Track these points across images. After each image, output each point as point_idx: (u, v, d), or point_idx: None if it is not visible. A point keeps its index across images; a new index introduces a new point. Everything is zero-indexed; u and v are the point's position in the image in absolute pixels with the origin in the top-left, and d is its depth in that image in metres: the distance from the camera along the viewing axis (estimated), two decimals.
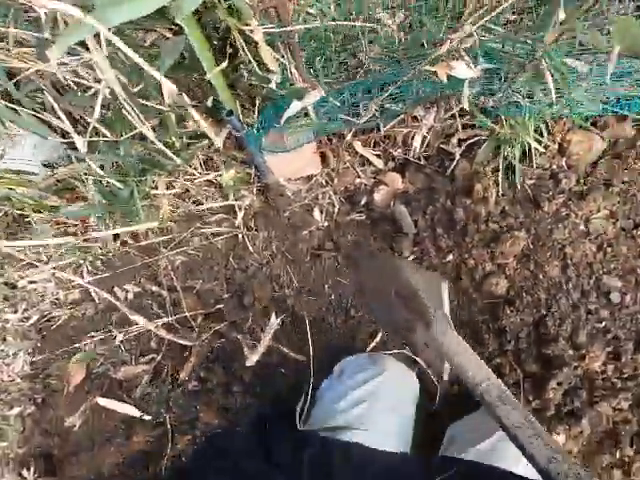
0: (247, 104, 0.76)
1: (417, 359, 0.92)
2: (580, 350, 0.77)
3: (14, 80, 0.63)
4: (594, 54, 0.70)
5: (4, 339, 0.97)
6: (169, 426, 1.08)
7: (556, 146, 0.87)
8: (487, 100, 0.72)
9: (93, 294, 0.97)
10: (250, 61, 0.58)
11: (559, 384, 0.78)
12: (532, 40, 0.60)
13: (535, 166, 0.88)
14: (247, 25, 0.51)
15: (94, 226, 0.99)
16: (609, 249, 0.81)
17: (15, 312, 0.98)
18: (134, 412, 1.02)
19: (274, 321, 0.80)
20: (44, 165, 1.01)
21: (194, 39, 0.53)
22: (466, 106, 0.65)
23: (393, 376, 0.82)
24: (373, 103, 0.72)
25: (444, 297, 0.62)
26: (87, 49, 0.53)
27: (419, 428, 0.80)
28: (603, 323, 0.78)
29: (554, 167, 0.88)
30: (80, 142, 0.64)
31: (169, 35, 0.59)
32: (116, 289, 1.05)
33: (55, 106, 0.61)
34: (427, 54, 0.59)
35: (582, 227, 0.84)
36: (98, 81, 0.62)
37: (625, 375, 0.74)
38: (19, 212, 0.93)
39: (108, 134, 0.70)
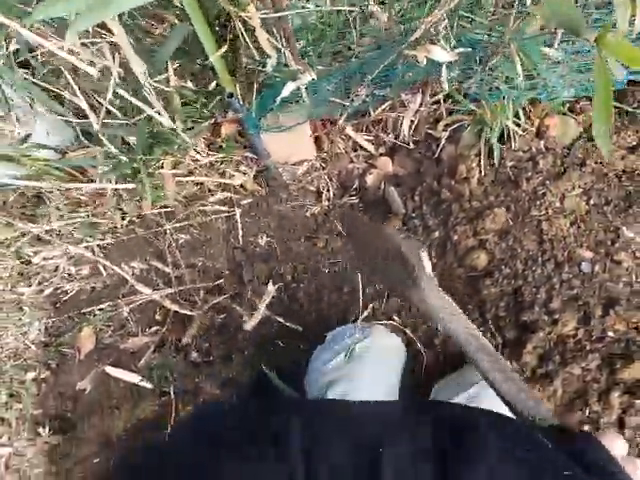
0: (246, 88, 0.83)
1: (406, 330, 0.99)
2: (553, 315, 0.83)
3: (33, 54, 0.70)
4: (568, 41, 0.77)
5: (20, 309, 1.04)
6: (172, 395, 1.15)
7: (534, 129, 0.93)
8: (468, 84, 0.78)
9: (102, 269, 1.04)
10: (248, 46, 0.65)
11: (534, 348, 0.85)
12: (499, 26, 0.67)
13: (515, 148, 0.95)
14: (245, 12, 0.57)
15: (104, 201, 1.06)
16: (582, 224, 0.88)
17: (30, 286, 1.05)
18: (139, 381, 1.09)
19: (271, 289, 0.86)
20: (56, 151, 1.08)
21: (197, 23, 0.60)
22: (446, 87, 0.71)
23: (379, 340, 0.88)
24: (362, 87, 0.79)
25: (424, 261, 0.65)
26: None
27: (405, 395, 0.87)
28: (575, 291, 0.84)
29: (533, 149, 0.95)
30: (94, 120, 0.71)
31: (177, 22, 0.66)
32: (123, 265, 1.12)
33: (73, 84, 0.67)
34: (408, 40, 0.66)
35: (558, 204, 0.90)
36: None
37: (593, 338, 0.81)
38: (35, 191, 0.99)
39: (119, 114, 0.77)
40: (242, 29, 0.62)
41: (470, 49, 0.68)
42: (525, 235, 0.90)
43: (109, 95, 0.67)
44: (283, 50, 0.64)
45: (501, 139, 0.95)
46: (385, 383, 0.82)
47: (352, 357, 0.85)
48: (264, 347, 1.09)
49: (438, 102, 0.93)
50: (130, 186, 0.90)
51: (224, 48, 0.65)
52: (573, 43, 0.76)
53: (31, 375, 1.02)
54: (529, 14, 0.59)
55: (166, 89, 0.74)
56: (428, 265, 0.66)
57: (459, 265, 0.96)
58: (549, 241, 0.88)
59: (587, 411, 0.82)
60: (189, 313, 1.00)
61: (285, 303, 1.09)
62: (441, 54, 0.63)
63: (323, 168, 1.13)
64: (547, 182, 0.91)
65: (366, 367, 0.83)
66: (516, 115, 0.90)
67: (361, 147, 1.10)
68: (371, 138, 1.09)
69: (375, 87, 0.78)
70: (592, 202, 0.89)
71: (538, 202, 0.91)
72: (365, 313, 1.04)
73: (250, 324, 0.87)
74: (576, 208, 0.89)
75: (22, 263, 1.07)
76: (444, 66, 0.68)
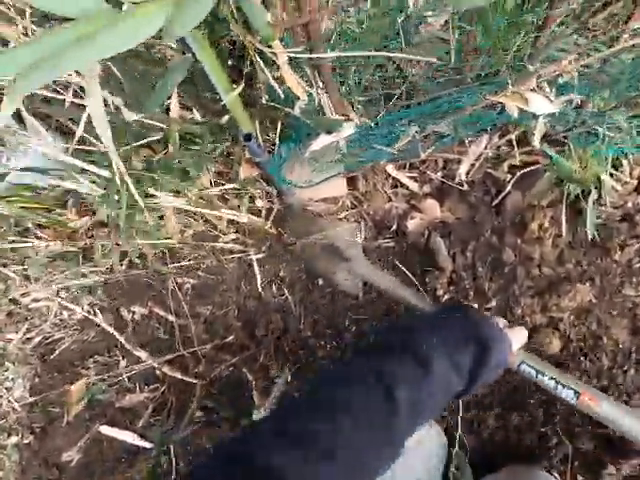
0: (268, 124, 0.65)
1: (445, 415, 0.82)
2: None
3: None
4: None
5: (2, 364, 0.93)
6: (173, 457, 1.02)
7: (635, 181, 0.72)
8: (557, 131, 0.58)
9: (96, 319, 0.90)
10: (270, 84, 0.48)
11: (618, 469, 0.66)
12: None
13: (605, 203, 0.74)
14: (268, 46, 0.40)
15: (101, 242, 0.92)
16: None
17: (17, 332, 0.93)
18: (138, 441, 0.96)
19: (282, 379, 0.71)
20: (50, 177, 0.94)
21: (205, 59, 0.42)
22: (537, 145, 0.52)
23: (419, 431, 0.72)
24: (414, 129, 0.60)
25: (357, 239, 0.87)
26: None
27: None
28: None
29: (629, 205, 0.74)
30: (59, 149, 0.55)
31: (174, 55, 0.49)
32: (122, 309, 0.98)
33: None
34: (491, 81, 0.47)
35: None
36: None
37: None
38: (22, 228, 0.86)
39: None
40: (262, 64, 0.45)
41: (585, 96, 0.48)
42: (614, 320, 0.70)
43: (79, 133, 0.51)
44: (317, 93, 0.46)
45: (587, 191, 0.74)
46: None
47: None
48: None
49: (509, 142, 0.73)
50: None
51: (240, 87, 0.48)
52: None
53: (14, 440, 0.91)
54: None
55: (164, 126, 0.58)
56: (360, 241, 0.87)
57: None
58: None
59: None
60: (192, 381, 0.86)
61: (302, 367, 0.93)
62: (541, 104, 0.44)
63: (355, 207, 0.95)
64: None
65: (405, 469, 0.67)
66: (614, 166, 0.70)
67: (402, 184, 0.91)
68: (415, 175, 0.89)
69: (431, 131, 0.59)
70: None
71: (634, 278, 0.70)
72: None
73: (260, 412, 0.72)
74: None
75: (11, 302, 0.95)
76: (541, 118, 0.49)
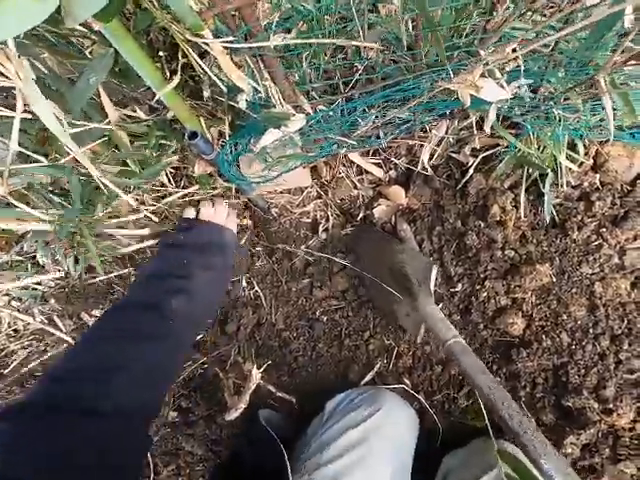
0: (216, 117, 0.61)
1: (417, 396, 0.84)
2: (606, 404, 0.68)
3: None
4: None
5: None
6: (150, 457, 1.01)
7: (590, 161, 0.73)
8: (514, 116, 0.57)
9: (51, 329, 0.85)
10: (209, 77, 0.44)
11: (578, 438, 0.70)
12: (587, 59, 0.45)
13: (563, 183, 0.75)
14: (199, 36, 0.36)
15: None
16: None
17: None
18: None
19: (255, 374, 0.69)
20: None
21: (127, 52, 0.38)
22: (488, 130, 0.51)
23: (389, 414, 0.73)
24: (371, 119, 0.58)
25: (432, 277, 0.74)
26: None
27: (416, 464, 0.73)
28: (635, 375, 0.68)
29: (585, 185, 0.75)
30: None
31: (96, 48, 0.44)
32: (84, 315, 0.94)
33: None
34: (445, 68, 0.45)
35: (616, 259, 0.72)
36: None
37: None
38: None
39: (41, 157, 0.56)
40: (196, 56, 0.41)
41: (534, 82, 0.47)
42: (573, 298, 0.72)
43: (13, 144, 0.46)
44: (263, 84, 0.43)
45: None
46: (400, 469, 0.69)
47: (356, 443, 0.70)
48: (253, 407, 0.93)
49: (469, 127, 0.72)
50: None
51: (175, 81, 0.44)
52: None
53: None
54: None
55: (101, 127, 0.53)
56: (433, 281, 0.74)
57: (486, 326, 0.79)
58: (603, 307, 0.71)
59: None
60: None
61: (277, 358, 0.92)
62: (494, 91, 0.42)
63: (320, 197, 0.93)
64: (603, 230, 0.72)
65: (377, 456, 0.68)
66: (570, 146, 0.70)
67: (367, 171, 0.89)
68: (379, 161, 0.88)
69: (389, 111, 0.57)
70: None
71: (591, 256, 0.72)
72: (370, 375, 0.88)
73: (231, 415, 0.70)
74: (638, 267, 0.71)
75: None
76: (493, 105, 0.47)
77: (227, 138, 0.58)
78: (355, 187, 0.91)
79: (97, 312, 0.93)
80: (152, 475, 1.02)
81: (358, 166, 0.88)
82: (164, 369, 0.62)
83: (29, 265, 0.82)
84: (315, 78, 0.57)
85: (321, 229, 0.95)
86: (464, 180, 0.81)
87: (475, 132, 0.66)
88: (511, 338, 0.76)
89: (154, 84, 0.43)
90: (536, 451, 0.51)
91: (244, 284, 0.96)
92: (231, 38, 0.36)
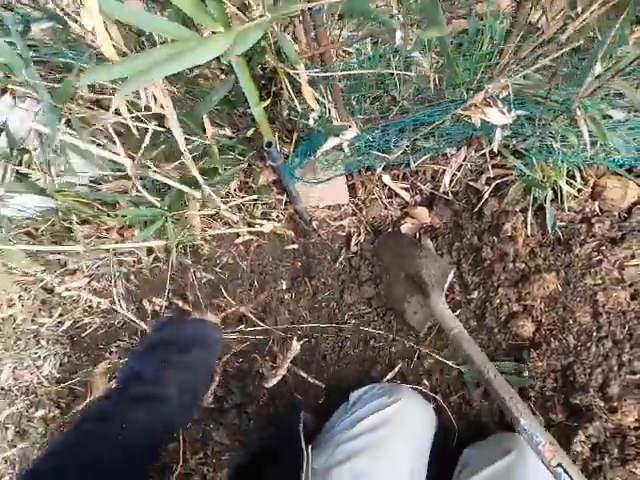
0: (284, 137, 0.80)
1: (437, 397, 0.90)
2: (611, 402, 0.74)
3: None
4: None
5: (38, 342, 1.02)
6: (181, 442, 1.08)
7: (589, 190, 0.86)
8: (519, 143, 0.73)
9: (118, 307, 1.01)
10: (292, 99, 0.62)
11: (588, 437, 0.75)
12: (566, 90, 0.62)
13: (566, 209, 0.88)
14: (294, 69, 0.55)
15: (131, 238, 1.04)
16: None
17: (50, 317, 1.03)
18: None
19: (295, 345, 0.81)
20: (91, 181, 1.09)
21: (243, 79, 0.58)
22: (496, 149, 0.66)
23: (409, 406, 0.80)
24: (405, 141, 0.75)
25: (449, 279, 0.86)
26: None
27: (433, 461, 0.78)
28: (637, 375, 0.74)
29: (586, 211, 0.87)
30: (129, 165, 0.69)
31: (220, 75, 0.65)
32: (145, 302, 1.09)
33: (117, 142, 0.66)
34: (460, 99, 0.62)
35: (615, 274, 0.81)
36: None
37: None
38: (65, 223, 0.99)
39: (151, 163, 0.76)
40: (287, 84, 0.60)
41: (527, 112, 0.63)
42: (577, 305, 0.82)
43: (144, 146, 0.66)
44: (328, 106, 0.61)
45: (551, 197, 0.88)
46: (412, 464, 0.73)
47: (378, 421, 0.77)
48: (282, 399, 1.02)
49: (484, 156, 0.88)
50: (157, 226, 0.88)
51: (267, 101, 0.63)
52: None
53: (41, 413, 0.98)
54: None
55: (203, 141, 0.72)
56: (448, 283, 0.86)
57: (500, 330, 0.88)
58: (606, 314, 0.79)
59: None
60: None
61: (306, 355, 1.02)
62: (498, 117, 0.59)
63: (355, 214, 1.09)
64: (603, 248, 0.83)
65: (392, 441, 0.74)
66: (569, 173, 0.84)
67: (396, 194, 1.06)
68: (407, 186, 1.04)
69: (419, 140, 0.74)
70: None
71: (593, 269, 0.83)
72: (391, 374, 0.96)
73: (271, 381, 0.81)
74: (637, 279, 0.80)
75: (45, 291, 1.06)
76: (498, 128, 0.63)
77: (292, 151, 0.76)
78: (385, 208, 1.07)
79: (157, 300, 1.09)
80: (181, 461, 1.08)
81: (389, 189, 1.05)
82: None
83: (112, 251, 1.00)
84: (361, 112, 0.76)
85: (353, 242, 1.09)
86: (480, 204, 0.95)
87: (488, 159, 0.82)
88: (522, 340, 0.85)
89: (253, 102, 0.62)
90: (518, 411, 0.64)
91: (284, 286, 1.09)
92: (316, 70, 0.55)
